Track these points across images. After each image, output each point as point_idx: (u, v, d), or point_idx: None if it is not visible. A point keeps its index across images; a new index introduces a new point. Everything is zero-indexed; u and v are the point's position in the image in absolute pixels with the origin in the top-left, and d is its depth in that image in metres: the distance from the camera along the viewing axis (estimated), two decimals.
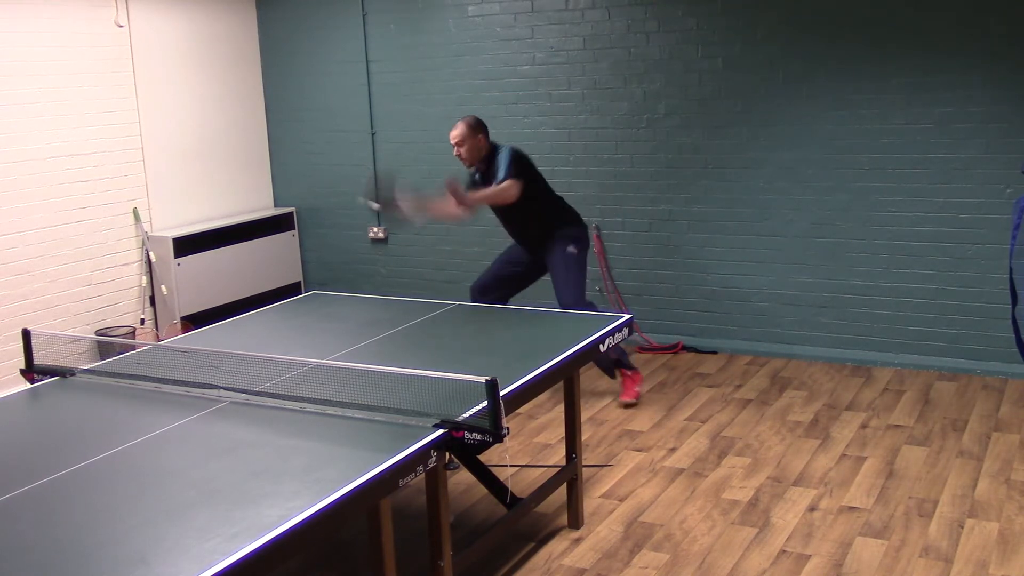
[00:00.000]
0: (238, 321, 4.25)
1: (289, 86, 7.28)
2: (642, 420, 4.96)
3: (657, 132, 6.03)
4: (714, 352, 6.01)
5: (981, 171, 5.24)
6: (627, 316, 3.93)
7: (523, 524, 3.84)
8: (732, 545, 3.65)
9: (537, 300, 5.32)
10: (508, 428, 2.79)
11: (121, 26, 6.31)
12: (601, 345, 3.67)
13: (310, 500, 2.32)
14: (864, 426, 4.74)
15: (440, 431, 2.75)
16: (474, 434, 2.75)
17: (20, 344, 3.60)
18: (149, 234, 6.52)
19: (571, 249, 5.03)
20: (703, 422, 4.89)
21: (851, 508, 3.90)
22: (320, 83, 7.15)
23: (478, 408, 2.82)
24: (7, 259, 5.70)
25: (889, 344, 5.60)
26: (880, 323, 5.61)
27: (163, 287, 6.49)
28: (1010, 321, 4.53)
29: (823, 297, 5.75)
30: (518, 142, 6.36)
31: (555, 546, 3.71)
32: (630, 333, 3.91)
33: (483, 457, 3.35)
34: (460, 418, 2.79)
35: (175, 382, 3.27)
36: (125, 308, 6.43)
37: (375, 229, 7.13)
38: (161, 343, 4.24)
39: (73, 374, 3.49)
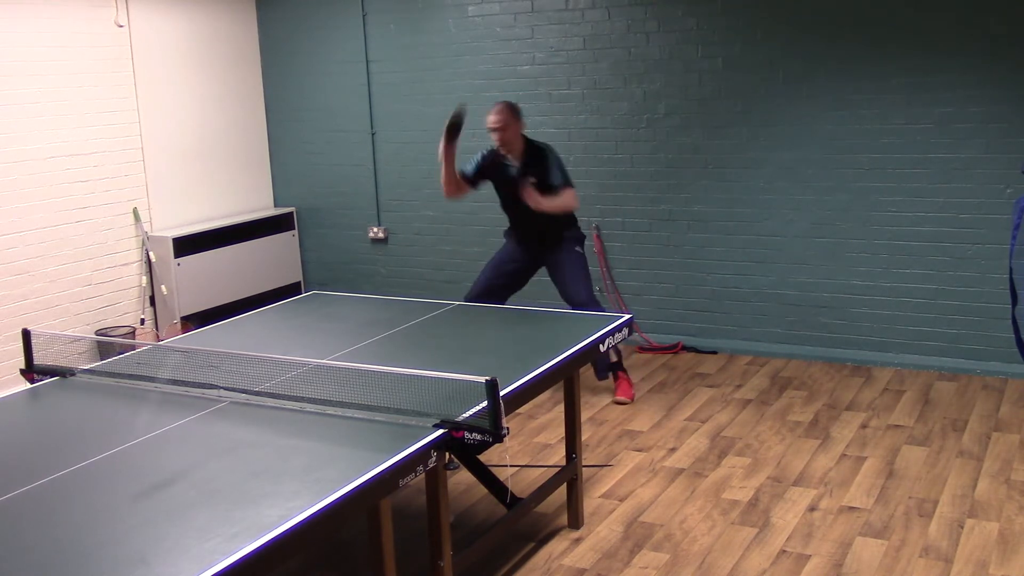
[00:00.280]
0: (238, 321, 4.25)
1: (289, 86, 7.28)
2: (642, 420, 4.96)
3: (657, 132, 6.03)
4: (714, 352, 6.01)
5: (981, 171, 5.24)
6: (627, 316, 3.93)
7: (523, 524, 3.84)
8: (732, 545, 3.65)
9: (537, 300, 5.32)
10: (508, 428, 2.79)
11: (121, 26, 6.31)
12: (601, 345, 3.68)
13: (310, 500, 2.32)
14: (864, 426, 4.74)
15: (440, 431, 2.75)
16: (474, 434, 2.75)
17: (20, 344, 3.60)
18: (149, 234, 6.52)
19: (578, 249, 5.10)
20: (703, 422, 4.89)
21: (851, 508, 3.90)
22: (320, 83, 7.15)
23: (478, 408, 2.82)
24: (7, 259, 5.70)
25: (889, 344, 5.60)
26: (880, 323, 5.62)
27: (163, 287, 6.49)
28: (1010, 321, 4.52)
29: (823, 297, 5.75)
30: None
31: (555, 546, 3.71)
32: (630, 333, 3.92)
33: (483, 457, 3.35)
34: (460, 418, 2.79)
35: (175, 382, 3.27)
36: (125, 308, 6.43)
37: (375, 229, 7.13)
38: (161, 343, 4.24)
39: (73, 374, 3.49)
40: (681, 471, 4.33)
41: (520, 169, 4.88)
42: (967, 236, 5.33)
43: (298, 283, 7.45)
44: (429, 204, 6.85)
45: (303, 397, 3.04)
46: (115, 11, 6.26)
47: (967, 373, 5.40)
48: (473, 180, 5.00)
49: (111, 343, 5.74)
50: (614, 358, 5.20)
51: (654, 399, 5.25)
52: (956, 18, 5.18)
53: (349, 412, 2.92)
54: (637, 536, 3.76)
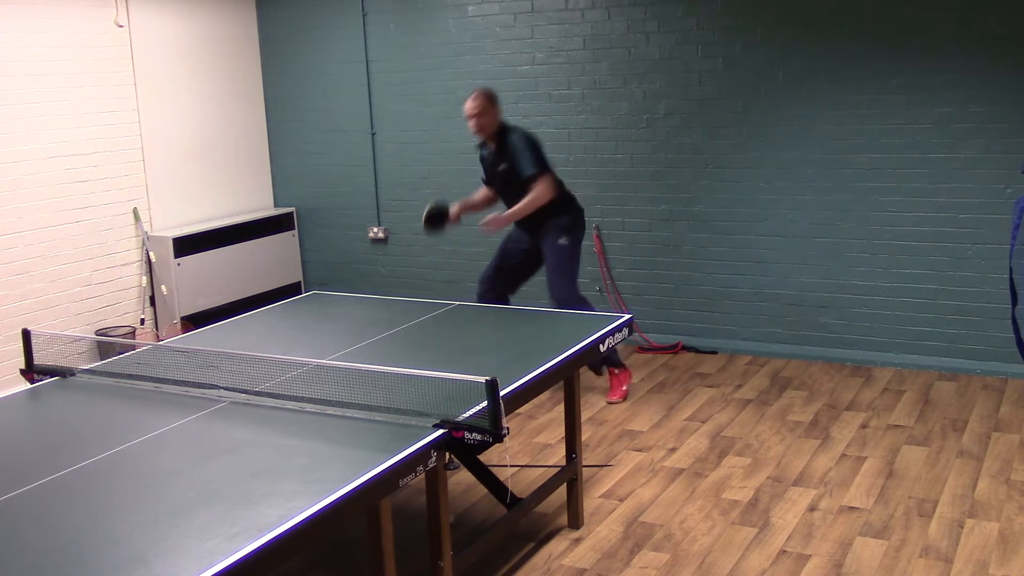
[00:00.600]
0: (238, 321, 4.25)
1: (289, 86, 7.28)
2: (642, 420, 4.96)
3: (657, 132, 6.03)
4: (714, 352, 6.01)
5: (981, 171, 5.24)
6: (627, 316, 3.93)
7: (523, 524, 3.84)
8: (732, 545, 3.65)
9: (537, 300, 5.32)
10: (508, 428, 2.79)
11: (121, 26, 6.31)
12: (601, 345, 3.68)
13: (310, 500, 2.32)
14: (864, 426, 4.74)
15: (440, 431, 2.75)
16: (474, 434, 2.75)
17: (20, 344, 3.60)
18: (149, 234, 6.52)
19: (562, 241, 5.01)
20: (703, 422, 4.89)
21: (851, 508, 3.90)
22: (320, 83, 7.15)
23: (478, 408, 2.82)
24: (7, 259, 5.70)
25: (889, 344, 5.60)
26: (880, 323, 5.61)
27: (163, 287, 6.49)
28: (1010, 321, 4.52)
29: (823, 297, 5.75)
30: None
31: (555, 546, 3.71)
32: (630, 333, 3.92)
33: (483, 457, 3.35)
34: (460, 418, 2.79)
35: (175, 382, 3.27)
36: (125, 308, 6.43)
37: (375, 229, 7.13)
38: (161, 343, 4.24)
39: (73, 374, 3.49)
40: (681, 471, 4.33)
41: (495, 155, 4.96)
42: (967, 236, 5.33)
43: (298, 283, 7.45)
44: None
45: (303, 397, 3.04)
46: (115, 11, 6.26)
47: (967, 373, 5.40)
48: (486, 182, 5.15)
49: (111, 343, 5.75)
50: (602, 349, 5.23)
51: (654, 399, 5.25)
52: (956, 18, 5.17)
53: (349, 412, 2.92)
54: (637, 536, 3.76)
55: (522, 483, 4.21)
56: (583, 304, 4.98)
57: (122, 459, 2.68)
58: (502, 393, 2.81)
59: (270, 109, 7.39)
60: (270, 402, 3.06)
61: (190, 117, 6.83)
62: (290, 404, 3.03)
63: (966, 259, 5.36)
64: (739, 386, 5.40)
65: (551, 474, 3.86)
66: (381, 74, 6.91)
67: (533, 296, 5.48)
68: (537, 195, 4.84)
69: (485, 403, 2.78)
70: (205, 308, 6.57)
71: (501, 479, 3.66)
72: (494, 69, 6.46)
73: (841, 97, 5.50)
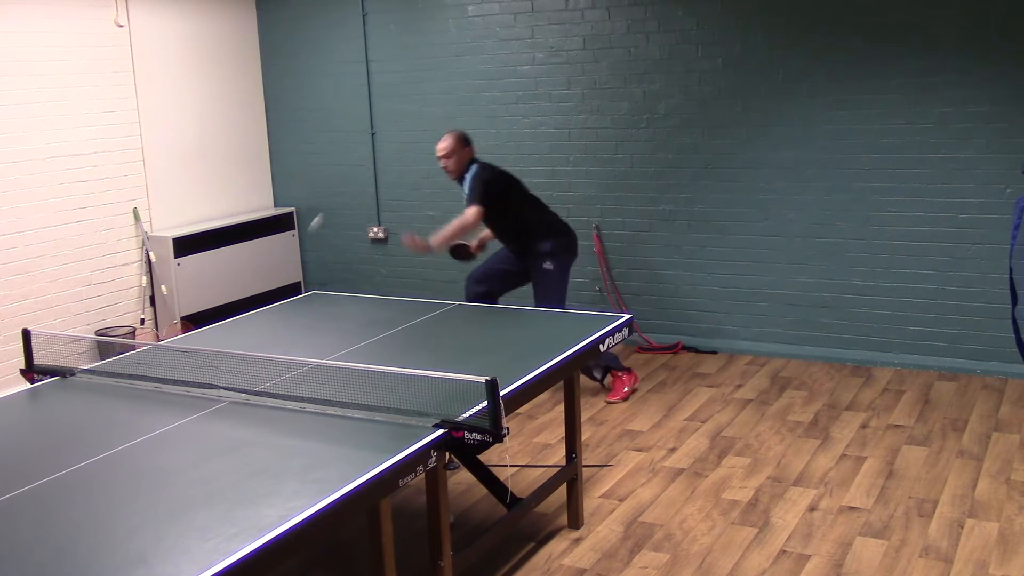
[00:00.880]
0: (238, 321, 4.25)
1: (289, 86, 7.28)
2: (642, 420, 4.96)
3: (657, 132, 6.03)
4: (714, 352, 6.01)
5: (981, 171, 5.24)
6: (627, 316, 3.93)
7: (523, 524, 3.84)
8: (732, 545, 3.65)
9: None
10: (508, 428, 2.79)
11: (121, 26, 6.31)
12: (601, 345, 3.68)
13: (310, 500, 2.32)
14: (864, 426, 4.74)
15: (440, 431, 2.75)
16: (474, 434, 2.75)
17: (20, 344, 3.60)
18: (149, 234, 6.52)
19: (547, 266, 5.04)
20: (703, 422, 4.90)
21: (851, 508, 3.90)
22: (320, 83, 7.15)
23: (478, 408, 2.82)
24: (7, 259, 5.70)
25: (889, 344, 5.60)
26: (880, 323, 5.61)
27: (163, 287, 6.49)
28: (1010, 321, 4.53)
29: (823, 297, 5.75)
30: (518, 142, 6.40)
31: (555, 546, 3.71)
32: (630, 333, 3.92)
33: (483, 457, 3.35)
34: (460, 418, 2.79)
35: (175, 382, 3.27)
36: (125, 308, 6.43)
37: (375, 229, 7.13)
38: (161, 343, 4.24)
39: (73, 374, 3.49)
40: (681, 471, 4.33)
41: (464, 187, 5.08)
42: (967, 236, 5.33)
43: (298, 283, 7.45)
44: (429, 204, 6.85)
45: (303, 397, 3.04)
46: (115, 11, 6.26)
47: (967, 373, 5.40)
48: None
49: (111, 343, 5.75)
50: (598, 375, 5.28)
51: (654, 399, 5.25)
52: (956, 18, 5.17)
53: (349, 412, 2.92)
54: (637, 536, 3.76)
55: (522, 483, 4.21)
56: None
57: (122, 459, 2.68)
58: (502, 393, 2.81)
59: (270, 109, 7.40)
60: (270, 402, 3.06)
61: (190, 117, 6.83)
62: (290, 404, 3.03)
63: (966, 259, 5.36)
64: (739, 386, 5.40)
65: (551, 474, 3.87)
66: (381, 74, 6.91)
67: (532, 296, 5.48)
68: (464, 220, 4.81)
69: (485, 403, 2.78)
70: (205, 308, 6.57)
71: (501, 479, 3.66)
72: (494, 69, 6.46)
73: (841, 97, 5.50)
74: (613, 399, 5.20)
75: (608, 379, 5.35)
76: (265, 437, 2.79)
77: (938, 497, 3.97)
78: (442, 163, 5.05)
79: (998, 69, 5.12)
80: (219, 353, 3.52)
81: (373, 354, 3.55)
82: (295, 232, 7.40)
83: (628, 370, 5.29)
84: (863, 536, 3.67)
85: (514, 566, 3.58)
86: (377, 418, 2.87)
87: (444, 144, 5.00)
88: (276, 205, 7.51)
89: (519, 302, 5.16)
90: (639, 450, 4.58)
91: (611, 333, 3.75)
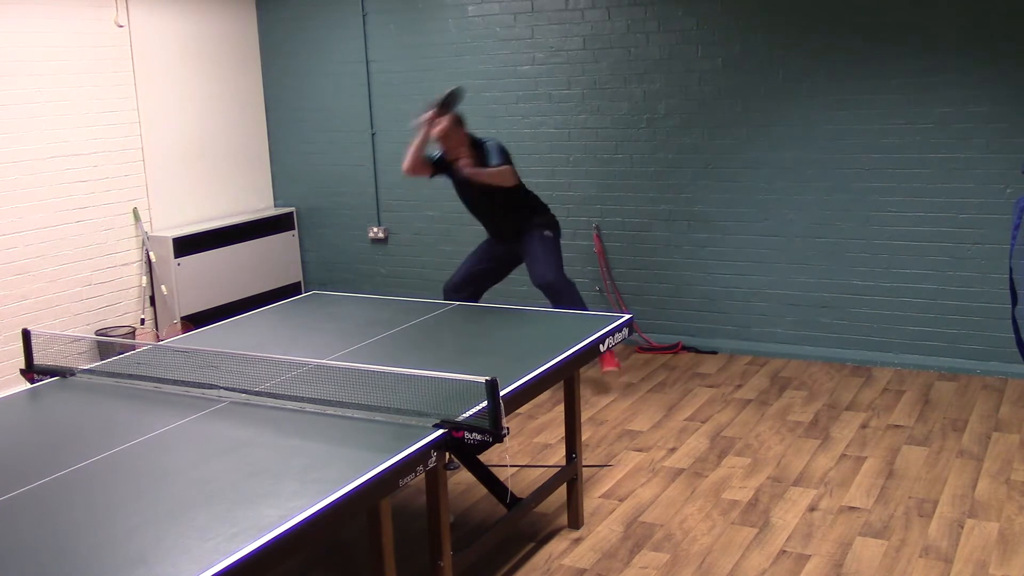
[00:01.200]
0: (238, 321, 4.25)
1: (289, 86, 7.28)
2: (642, 420, 4.96)
3: (657, 132, 6.03)
4: (714, 352, 6.01)
5: (981, 171, 5.24)
6: (627, 316, 3.93)
7: (523, 524, 3.84)
8: (732, 545, 3.65)
9: (537, 300, 5.33)
10: (508, 428, 2.79)
11: (121, 26, 6.31)
12: (601, 345, 3.68)
13: (310, 500, 2.32)
14: (864, 426, 4.74)
15: (440, 431, 2.75)
16: (474, 434, 2.75)
17: (20, 344, 3.60)
18: (149, 234, 6.52)
19: (547, 233, 5.25)
20: (703, 422, 4.90)
21: (851, 508, 3.90)
22: (320, 83, 7.15)
23: (478, 408, 2.82)
24: (7, 259, 5.70)
25: (889, 344, 5.60)
26: (880, 323, 5.61)
27: (163, 287, 6.49)
28: (1010, 321, 4.53)
29: (823, 297, 5.75)
30: (518, 142, 6.39)
31: (555, 546, 3.71)
32: (630, 333, 3.92)
33: (483, 457, 3.35)
34: (460, 418, 2.79)
35: (175, 382, 3.27)
36: (125, 308, 6.43)
37: (375, 229, 7.13)
38: (161, 343, 4.24)
39: (73, 374, 3.49)
40: (681, 471, 4.33)
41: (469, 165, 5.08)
42: (967, 236, 5.33)
43: (298, 283, 7.45)
44: (429, 204, 6.85)
45: (303, 397, 3.04)
46: (115, 11, 6.26)
47: (967, 373, 5.40)
48: (434, 166, 5.17)
49: (111, 343, 5.75)
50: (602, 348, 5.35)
51: (654, 399, 5.25)
52: (956, 18, 5.17)
53: (349, 412, 2.92)
54: (637, 536, 3.76)
55: (522, 483, 4.21)
56: (572, 286, 5.18)
57: (122, 459, 2.68)
58: (502, 393, 2.81)
59: (270, 109, 7.39)
60: (270, 402, 3.06)
61: (190, 117, 6.83)
62: (290, 404, 3.03)
63: (966, 259, 5.36)
64: (739, 386, 5.40)
65: (551, 474, 3.87)
66: (381, 74, 6.91)
67: (534, 296, 5.48)
68: (505, 170, 4.91)
69: (485, 403, 2.78)
70: (205, 308, 6.57)
71: (501, 479, 3.66)
72: (494, 69, 6.46)
73: (841, 97, 5.50)
74: (608, 368, 5.31)
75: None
76: (265, 437, 2.79)
77: (938, 497, 3.97)
78: (440, 146, 5.05)
79: (998, 69, 5.12)
80: (219, 353, 3.52)
81: (373, 354, 3.55)
82: (295, 232, 7.40)
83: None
84: (863, 536, 3.67)
85: (514, 566, 3.58)
86: (377, 418, 2.87)
87: (438, 129, 4.99)
88: (276, 205, 7.51)
89: (519, 302, 5.16)
90: (639, 450, 4.58)
91: (611, 333, 3.75)
